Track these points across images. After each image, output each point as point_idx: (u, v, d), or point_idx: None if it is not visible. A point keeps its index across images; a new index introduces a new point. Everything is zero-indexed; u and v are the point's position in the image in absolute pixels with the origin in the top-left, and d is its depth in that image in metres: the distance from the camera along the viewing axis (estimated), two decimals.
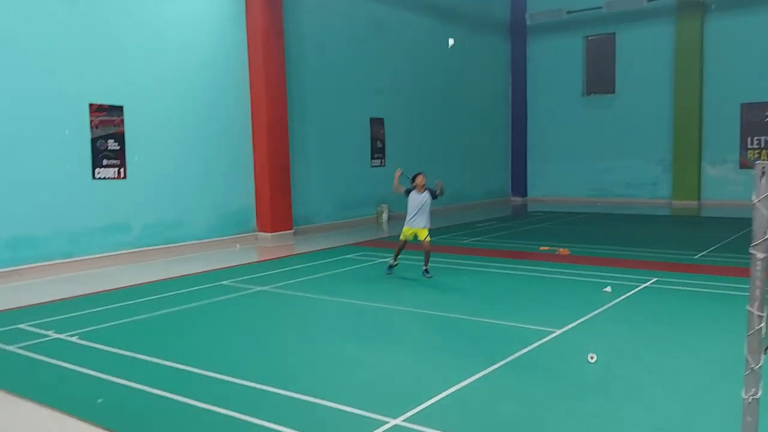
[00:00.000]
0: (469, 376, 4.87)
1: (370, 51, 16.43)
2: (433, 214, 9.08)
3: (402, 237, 9.01)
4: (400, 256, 9.22)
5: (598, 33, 20.75)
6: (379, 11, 16.64)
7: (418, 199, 8.81)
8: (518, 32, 22.05)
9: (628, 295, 7.57)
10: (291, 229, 13.84)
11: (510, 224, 15.66)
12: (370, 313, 7.19)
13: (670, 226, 15.43)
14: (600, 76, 21.00)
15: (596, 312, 6.81)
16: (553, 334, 6.00)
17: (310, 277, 9.34)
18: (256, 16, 13.02)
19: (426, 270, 8.89)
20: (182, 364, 5.37)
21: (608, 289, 7.79)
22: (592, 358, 5.22)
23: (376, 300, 7.69)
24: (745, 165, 18.50)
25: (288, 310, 7.51)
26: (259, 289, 8.54)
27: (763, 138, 18.13)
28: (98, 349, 5.89)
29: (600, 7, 19.49)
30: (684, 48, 18.91)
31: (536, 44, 21.97)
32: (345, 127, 15.79)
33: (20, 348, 5.95)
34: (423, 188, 8.82)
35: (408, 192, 8.93)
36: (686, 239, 12.63)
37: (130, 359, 5.58)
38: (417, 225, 8.84)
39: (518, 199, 22.48)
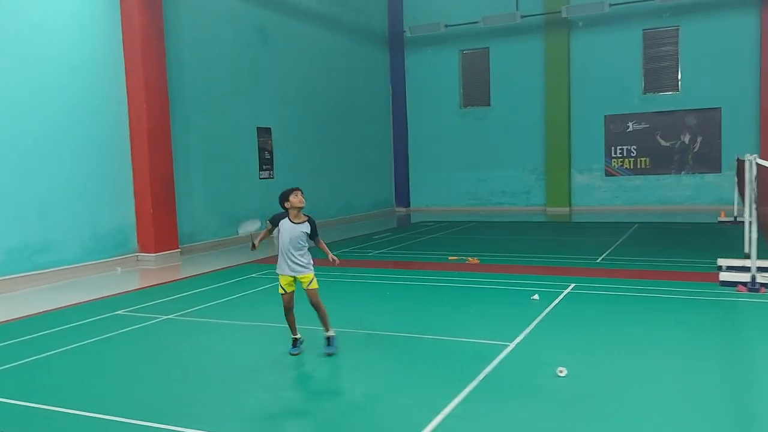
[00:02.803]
0: (446, 405, 4.47)
1: (255, 58, 15.66)
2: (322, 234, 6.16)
3: (282, 291, 5.81)
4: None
5: (473, 47, 21.40)
6: (264, 18, 15.92)
7: (295, 232, 5.66)
8: (397, 44, 22.23)
9: (556, 302, 7.58)
10: (177, 248, 12.69)
11: (405, 235, 15.55)
12: (309, 336, 6.56)
13: (558, 232, 16.10)
14: (476, 89, 21.67)
15: (537, 321, 6.71)
16: (509, 348, 5.79)
17: (218, 301, 8.50)
18: (133, 15, 11.83)
19: (329, 339, 5.91)
20: (101, 413, 4.49)
21: (536, 296, 7.77)
22: (561, 371, 5.04)
23: (308, 321, 7.07)
24: (610, 173, 19.88)
25: (208, 340, 6.68)
26: (164, 318, 7.58)
27: (625, 147, 19.60)
28: None
29: (476, 22, 20.09)
30: (553, 63, 20.02)
31: (414, 56, 22.27)
32: (231, 136, 14.86)
33: None
34: (300, 214, 5.73)
35: (276, 222, 5.77)
36: (578, 244, 13.16)
37: (36, 412, 4.57)
38: (296, 270, 5.71)
39: (402, 210, 22.57)
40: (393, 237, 15.26)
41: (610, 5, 18.37)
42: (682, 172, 19.12)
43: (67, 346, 6.41)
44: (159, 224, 12.25)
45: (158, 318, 7.56)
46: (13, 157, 9.92)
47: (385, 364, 5.60)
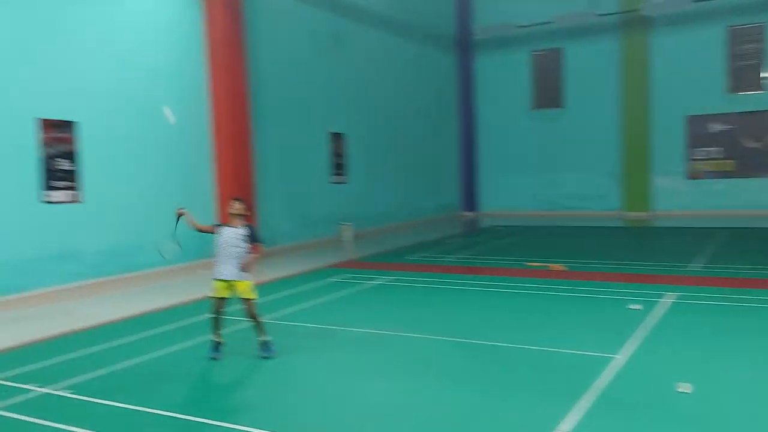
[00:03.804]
0: (562, 420, 4.27)
1: (329, 63, 15.75)
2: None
3: (213, 295, 6.02)
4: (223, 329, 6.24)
5: (545, 48, 20.94)
6: (337, 24, 16.01)
7: (226, 236, 5.98)
8: (466, 47, 21.99)
9: (657, 311, 7.23)
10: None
11: (478, 239, 15.31)
12: (400, 343, 6.48)
13: (640, 237, 15.54)
14: (548, 91, 21.19)
15: (641, 331, 6.40)
16: (617, 360, 5.52)
17: (305, 305, 8.51)
18: (216, 25, 12.06)
19: (265, 343, 6.03)
20: (212, 419, 4.50)
21: (637, 306, 7.43)
22: (684, 387, 4.76)
23: (396, 327, 6.99)
24: (693, 176, 19.05)
25: (304, 344, 6.66)
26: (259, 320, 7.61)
27: (708, 149, 18.74)
28: (104, 405, 4.88)
29: (548, 22, 19.66)
30: (631, 62, 19.36)
31: (484, 59, 21.97)
32: (305, 142, 14.99)
33: (4, 409, 4.85)
34: (238, 220, 6.04)
35: (219, 225, 6.21)
36: (665, 250, 12.62)
37: (151, 416, 4.64)
38: (226, 274, 5.91)
39: (469, 214, 22.28)
40: (465, 241, 15.07)
41: (694, 1, 17.63)
42: None
43: (169, 347, 6.52)
44: None
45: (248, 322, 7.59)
46: (108, 161, 10.24)
47: (489, 375, 5.43)
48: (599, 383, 4.97)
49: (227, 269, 5.94)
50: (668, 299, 7.79)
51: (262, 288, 9.74)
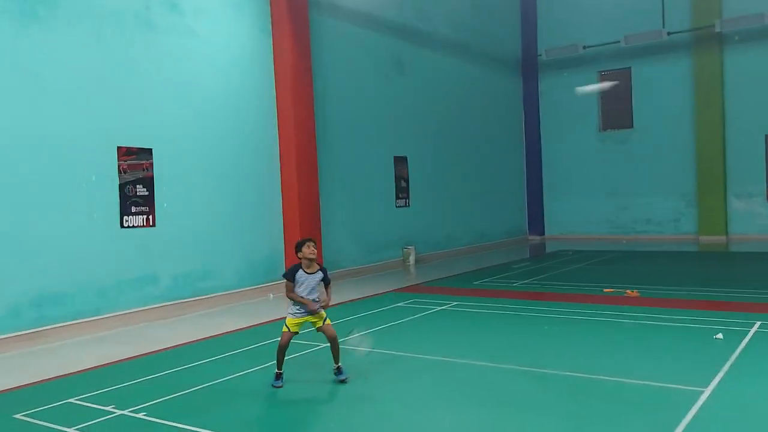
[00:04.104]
0: None
1: (392, 88, 15.89)
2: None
3: (287, 329, 5.97)
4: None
5: (613, 68, 20.49)
6: (400, 48, 16.16)
7: (310, 281, 5.90)
8: (530, 68, 21.76)
9: (746, 342, 6.81)
10: None
11: (545, 264, 14.94)
12: (470, 372, 6.32)
13: (718, 263, 14.81)
14: (616, 111, 20.67)
15: (729, 363, 6.02)
16: (706, 394, 5.20)
17: (374, 329, 8.45)
18: (285, 54, 12.37)
19: (339, 369, 6.09)
20: None
21: (720, 335, 7.03)
22: None
23: (465, 354, 6.84)
24: None
25: (372, 371, 6.59)
26: (324, 345, 7.61)
27: None
28: (179, 429, 4.94)
29: (616, 42, 19.24)
30: (704, 81, 18.68)
31: (549, 80, 21.67)
32: (369, 166, 15.09)
33: (83, 429, 4.98)
34: (313, 265, 5.97)
35: (293, 274, 5.91)
36: (749, 276, 11.95)
37: None
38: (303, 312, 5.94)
39: (536, 238, 21.83)
40: (533, 266, 14.72)
41: None
42: None
43: (242, 371, 6.57)
44: None
45: (319, 345, 7.60)
46: (182, 187, 10.58)
47: (566, 408, 5.20)
48: (687, 421, 4.68)
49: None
50: (757, 329, 7.34)
51: (328, 313, 9.79)
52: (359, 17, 14.91)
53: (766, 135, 18.09)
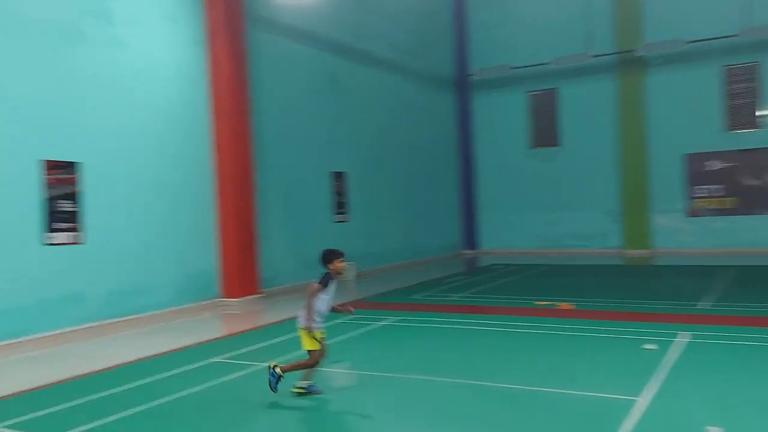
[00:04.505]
0: None
1: (329, 104, 15.89)
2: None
3: (317, 347, 5.95)
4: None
5: (540, 89, 21.22)
6: (337, 65, 16.20)
7: (332, 293, 6.01)
8: (464, 87, 22.26)
9: (673, 351, 7.11)
10: (259, 292, 12.71)
11: (481, 278, 15.20)
12: (411, 387, 6.31)
13: (644, 276, 15.42)
14: (545, 130, 21.38)
15: (660, 373, 6.27)
16: (639, 403, 5.39)
17: None
18: (221, 66, 12.17)
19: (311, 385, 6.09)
20: None
21: (651, 346, 7.32)
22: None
23: (406, 369, 6.85)
24: (693, 213, 19.10)
25: (325, 388, 6.49)
26: (266, 364, 7.45)
27: (708, 187, 18.84)
28: None
29: (545, 63, 19.95)
30: (627, 102, 19.61)
31: (481, 99, 22.22)
32: (307, 181, 15.00)
33: None
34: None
35: (326, 282, 5.90)
36: (671, 288, 12.51)
37: None
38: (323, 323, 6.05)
39: (470, 252, 22.21)
40: (468, 280, 14.95)
41: (687, 42, 17.96)
42: None
43: (172, 395, 6.34)
44: (242, 269, 12.32)
45: (260, 365, 7.44)
46: (112, 202, 10.18)
47: (510, 421, 5.27)
48: (625, 428, 4.83)
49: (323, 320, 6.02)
50: (683, 339, 7.68)
51: (266, 331, 9.62)
52: (296, 33, 14.87)
53: (685, 154, 19.08)
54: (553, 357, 7.30)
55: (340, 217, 16.01)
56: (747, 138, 18.39)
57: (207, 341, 9.02)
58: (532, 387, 6.07)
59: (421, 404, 5.78)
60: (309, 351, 5.95)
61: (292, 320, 10.38)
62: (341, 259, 5.97)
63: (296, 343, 8.50)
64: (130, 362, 7.86)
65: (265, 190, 13.52)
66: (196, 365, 7.54)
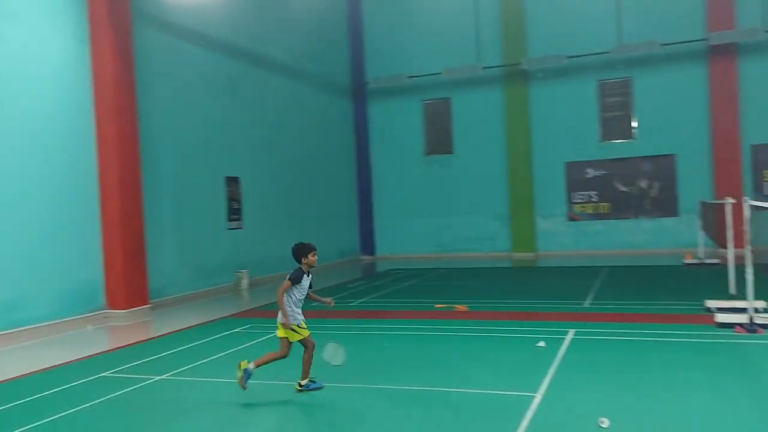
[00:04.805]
0: None
1: (224, 108, 15.46)
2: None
3: (305, 334, 6.19)
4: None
5: (435, 97, 21.82)
6: (233, 69, 15.81)
7: (306, 285, 6.31)
8: (360, 94, 22.45)
9: (564, 348, 7.52)
10: (147, 303, 12.10)
11: (380, 283, 15.34)
12: (314, 394, 6.24)
13: (532, 277, 16.15)
14: (439, 138, 21.99)
15: (553, 369, 6.61)
16: (537, 398, 5.65)
17: (208, 359, 8.03)
18: (105, 65, 11.52)
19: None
20: None
21: (542, 344, 7.69)
22: (603, 422, 4.93)
23: (318, 378, 6.74)
24: (572, 218, 20.33)
25: (213, 401, 6.25)
26: (158, 378, 7.11)
27: (586, 193, 20.13)
28: None
29: (438, 73, 20.53)
30: (513, 112, 20.60)
31: (377, 106, 22.51)
32: (200, 186, 14.49)
33: None
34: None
35: (299, 278, 6.18)
36: (558, 288, 13.19)
37: None
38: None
39: (367, 258, 22.38)
40: (367, 286, 15.04)
41: (568, 57, 19.12)
42: (641, 217, 19.72)
43: (60, 413, 5.89)
44: (129, 279, 11.68)
45: (151, 378, 7.08)
46: None
47: (418, 422, 5.34)
48: (524, 423, 5.04)
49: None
50: (572, 336, 8.14)
51: (156, 343, 9.17)
52: (189, 34, 14.37)
53: (565, 162, 20.29)
54: (452, 357, 7.49)
55: (234, 223, 15.60)
56: (620, 148, 19.85)
57: (94, 355, 8.47)
58: (435, 388, 6.19)
59: (326, 411, 5.73)
60: (300, 342, 6.13)
61: (187, 330, 10.04)
62: (314, 252, 6.26)
63: (188, 355, 8.21)
64: (10, 379, 7.23)
65: (154, 196, 12.93)
66: (84, 380, 7.06)
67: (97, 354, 8.57)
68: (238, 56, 16.10)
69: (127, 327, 10.84)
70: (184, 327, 10.39)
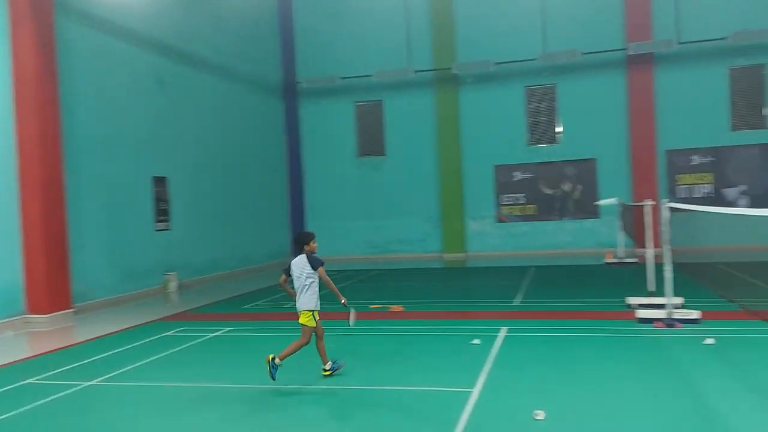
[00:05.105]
0: None
1: (151, 106, 15.01)
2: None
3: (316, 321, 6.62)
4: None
5: (367, 99, 21.95)
6: (161, 66, 15.39)
7: (300, 268, 6.59)
8: (291, 94, 22.29)
9: (497, 345, 7.76)
10: (71, 307, 11.61)
11: None
12: (249, 397, 6.20)
13: (464, 277, 16.52)
14: (371, 139, 22.12)
15: (488, 365, 6.82)
16: (474, 394, 5.82)
17: (136, 363, 7.79)
18: (27, 59, 10.99)
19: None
20: None
21: (477, 341, 7.91)
22: (538, 415, 5.13)
23: (242, 381, 6.72)
24: (501, 219, 20.92)
25: (145, 407, 6.10)
26: (87, 384, 6.85)
27: (513, 195, 20.75)
28: None
29: (369, 75, 20.65)
30: (444, 116, 20.98)
31: (309, 107, 22.42)
32: (126, 187, 14.02)
33: None
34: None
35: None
36: (488, 288, 13.56)
37: None
38: (300, 305, 6.63)
39: None
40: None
41: (496, 63, 19.66)
42: (564, 218, 20.51)
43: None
44: (51, 282, 11.18)
45: (80, 384, 6.82)
46: None
47: (360, 421, 5.40)
48: (464, 418, 5.18)
49: (300, 300, 6.62)
50: (504, 333, 8.40)
51: (82, 349, 8.83)
52: (115, 29, 13.89)
53: (494, 165, 20.85)
54: (391, 356, 7.59)
55: (161, 225, 15.17)
56: (545, 152, 20.57)
57: (15, 362, 8.08)
58: (376, 386, 6.28)
59: (270, 415, 5.70)
60: (310, 327, 6.49)
61: (114, 334, 9.69)
62: (314, 240, 6.69)
63: (117, 360, 7.96)
64: None
65: (78, 196, 12.42)
66: (7, 388, 6.73)
67: (19, 360, 8.18)
68: (166, 53, 15.69)
69: (50, 332, 10.38)
70: (110, 331, 10.04)
